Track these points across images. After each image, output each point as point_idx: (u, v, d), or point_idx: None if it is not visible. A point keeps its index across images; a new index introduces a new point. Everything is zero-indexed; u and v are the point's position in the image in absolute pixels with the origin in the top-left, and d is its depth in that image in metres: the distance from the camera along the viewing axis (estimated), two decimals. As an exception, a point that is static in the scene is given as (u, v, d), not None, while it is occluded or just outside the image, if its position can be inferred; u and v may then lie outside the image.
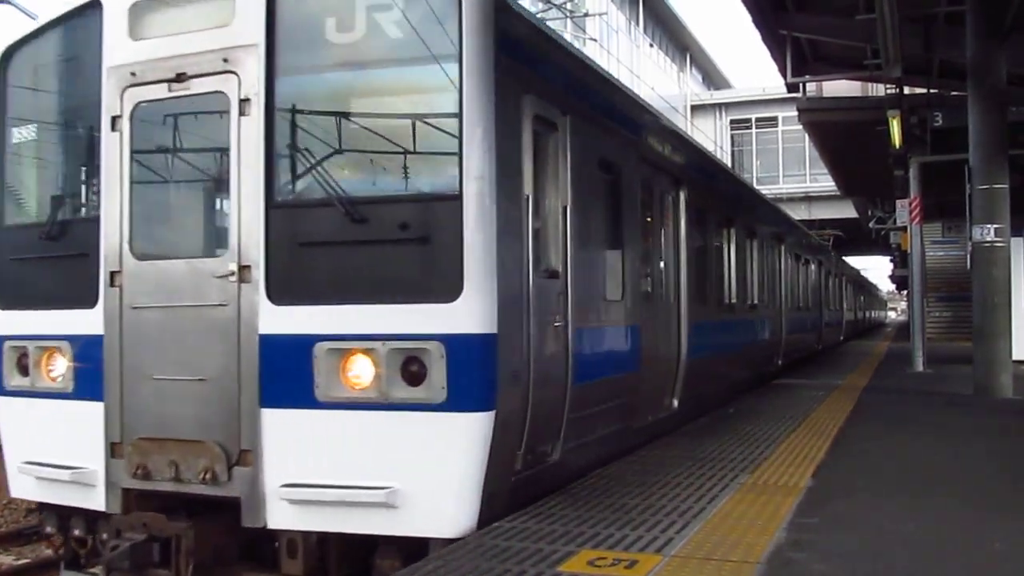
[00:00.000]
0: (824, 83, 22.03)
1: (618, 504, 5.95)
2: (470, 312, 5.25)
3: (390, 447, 5.34)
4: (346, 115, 5.71)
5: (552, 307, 6.24)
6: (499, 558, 4.73)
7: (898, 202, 19.87)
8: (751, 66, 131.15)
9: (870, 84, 21.18)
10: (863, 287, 49.48)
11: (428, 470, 5.28)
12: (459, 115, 5.35)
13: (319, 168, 5.60)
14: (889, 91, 17.69)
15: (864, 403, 12.04)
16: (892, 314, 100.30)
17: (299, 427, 5.48)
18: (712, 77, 62.23)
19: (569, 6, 27.44)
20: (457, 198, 5.30)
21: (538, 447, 6.07)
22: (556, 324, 6.28)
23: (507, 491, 5.68)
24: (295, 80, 5.79)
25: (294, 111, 5.73)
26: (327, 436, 5.45)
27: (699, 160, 11.53)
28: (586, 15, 31.77)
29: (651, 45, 49.16)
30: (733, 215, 12.96)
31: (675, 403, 9.49)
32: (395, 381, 5.31)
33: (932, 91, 17.77)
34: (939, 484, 6.78)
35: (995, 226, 12.47)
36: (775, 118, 49.09)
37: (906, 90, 17.67)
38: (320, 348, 5.43)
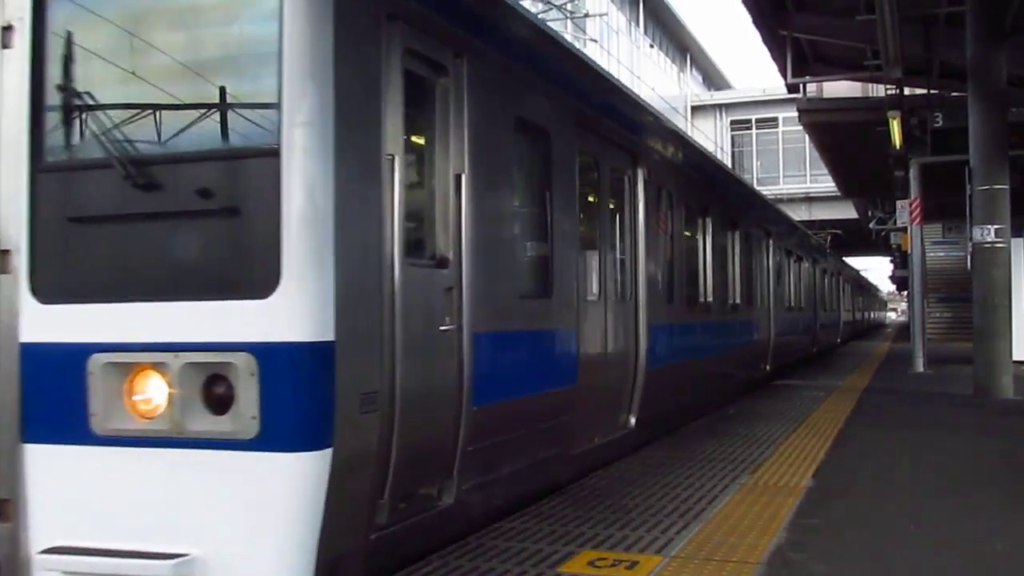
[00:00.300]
0: (824, 84, 22.05)
1: (618, 504, 5.95)
2: (291, 312, 3.89)
3: (186, 500, 3.97)
4: (139, 45, 4.34)
5: (437, 306, 4.88)
6: (499, 558, 4.72)
7: (898, 203, 19.91)
8: (751, 67, 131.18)
9: (870, 85, 21.21)
10: (862, 287, 48.76)
11: (237, 532, 3.91)
12: (279, 37, 3.96)
13: (101, 117, 4.28)
14: (889, 92, 17.74)
15: (864, 404, 12.03)
16: (892, 315, 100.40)
17: (71, 470, 4.12)
18: (712, 78, 62.27)
19: (569, 7, 27.46)
20: (274, 153, 3.92)
21: (417, 490, 4.81)
22: (444, 328, 4.89)
23: (363, 553, 4.36)
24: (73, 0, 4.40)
25: (70, 41, 4.35)
26: (107, 483, 4.08)
27: (664, 135, 9.78)
28: (586, 16, 31.80)
29: (651, 46, 49.21)
30: (709, 203, 11.48)
31: (632, 421, 8.00)
32: (194, 407, 3.97)
33: (932, 92, 17.80)
34: (940, 484, 6.77)
35: (995, 227, 12.48)
36: (775, 119, 49.20)
37: (906, 91, 17.70)
38: (96, 362, 4.07)
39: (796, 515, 5.65)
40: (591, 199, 7.67)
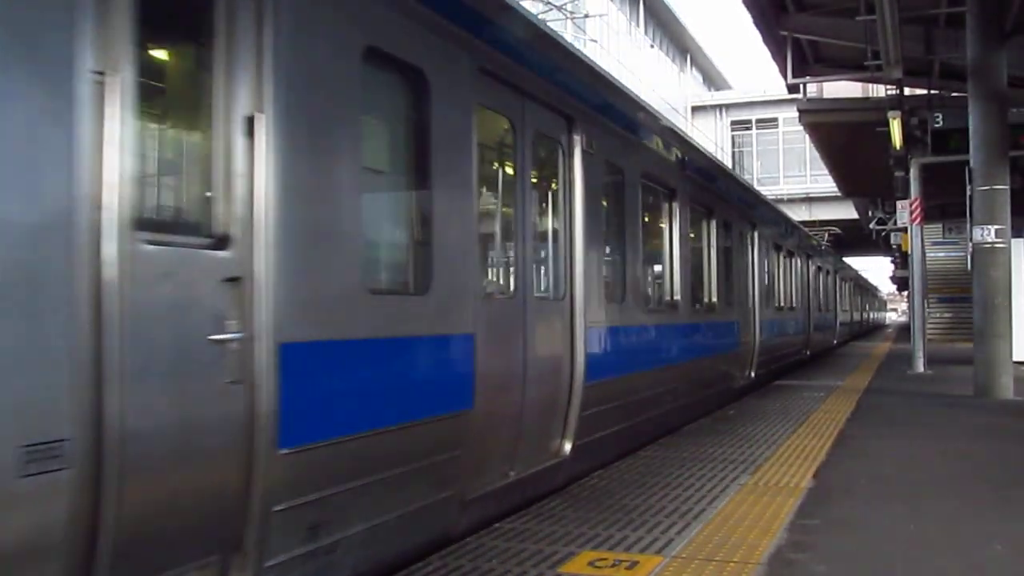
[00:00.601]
0: (825, 84, 22.07)
1: (618, 505, 5.95)
2: None
3: None
4: None
5: (206, 304, 3.41)
6: (499, 559, 4.73)
7: (899, 203, 19.90)
8: (751, 67, 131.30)
9: (870, 85, 21.23)
10: (861, 286, 48.02)
11: None
12: None
13: None
14: (889, 92, 17.76)
15: (864, 404, 12.03)
16: (893, 315, 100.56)
17: None
18: (712, 78, 62.30)
19: (570, 7, 27.47)
20: None
21: None
22: (219, 337, 3.42)
23: None
24: None
25: None
26: None
27: (613, 98, 8.00)
28: (586, 16, 31.81)
29: (651, 46, 49.25)
30: (678, 186, 9.89)
31: (566, 447, 6.66)
32: None
33: (932, 92, 17.82)
34: (940, 485, 6.77)
35: (996, 227, 12.48)
36: (776, 119, 49.30)
37: (906, 91, 17.72)
38: None
39: (797, 515, 5.65)
40: (502, 169, 6.21)
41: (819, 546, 5.00)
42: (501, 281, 6.32)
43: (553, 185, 6.86)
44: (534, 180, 6.50)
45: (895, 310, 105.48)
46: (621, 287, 8.07)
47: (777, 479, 6.80)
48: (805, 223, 29.84)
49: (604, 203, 7.57)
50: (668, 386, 9.41)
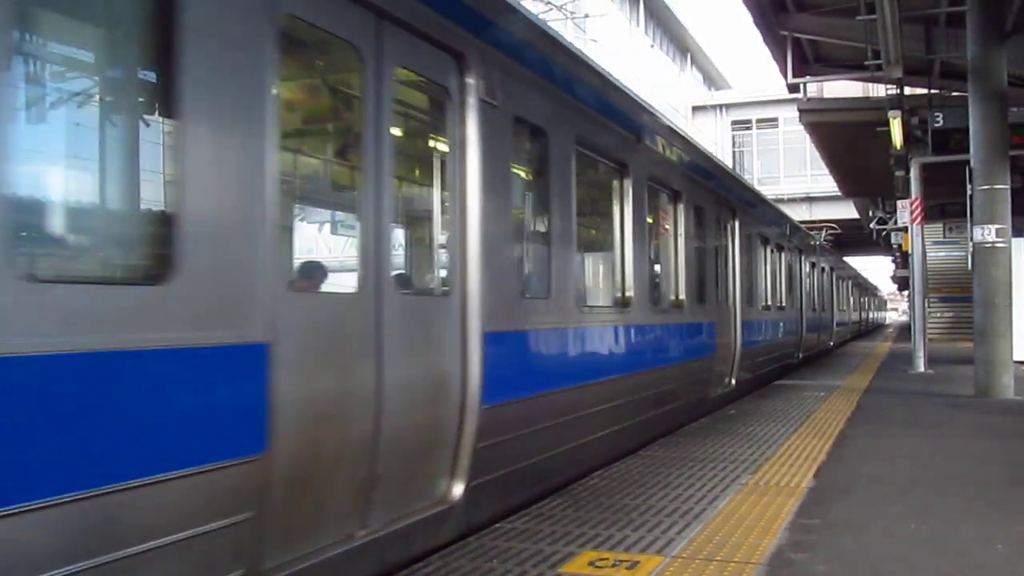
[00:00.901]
0: (825, 84, 22.10)
1: (619, 505, 5.95)
2: None
3: None
4: None
5: None
6: (500, 559, 4.72)
7: (899, 203, 19.91)
8: (751, 68, 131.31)
9: (871, 85, 21.27)
10: (860, 285, 47.27)
11: None
12: None
13: None
14: (890, 92, 17.77)
15: (865, 404, 12.03)
16: (893, 315, 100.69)
17: None
18: (712, 78, 62.33)
19: (570, 7, 27.48)
20: None
21: None
22: None
23: None
24: None
25: None
26: None
27: (527, 36, 6.23)
28: (587, 17, 31.83)
29: (652, 46, 49.30)
30: (629, 159, 8.18)
31: (456, 490, 5.22)
32: None
33: (933, 92, 17.83)
34: (940, 485, 6.77)
35: (996, 227, 12.49)
36: (776, 119, 49.35)
37: (907, 91, 17.74)
38: None
39: (797, 515, 5.65)
40: (341, 113, 4.97)
41: (820, 546, 5.00)
42: (335, 268, 4.93)
43: (433, 143, 5.36)
44: (397, 133, 4.89)
45: (895, 310, 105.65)
46: (542, 280, 6.45)
47: (778, 479, 6.80)
48: (805, 223, 29.77)
49: (516, 172, 5.99)
50: (615, 401, 7.79)
